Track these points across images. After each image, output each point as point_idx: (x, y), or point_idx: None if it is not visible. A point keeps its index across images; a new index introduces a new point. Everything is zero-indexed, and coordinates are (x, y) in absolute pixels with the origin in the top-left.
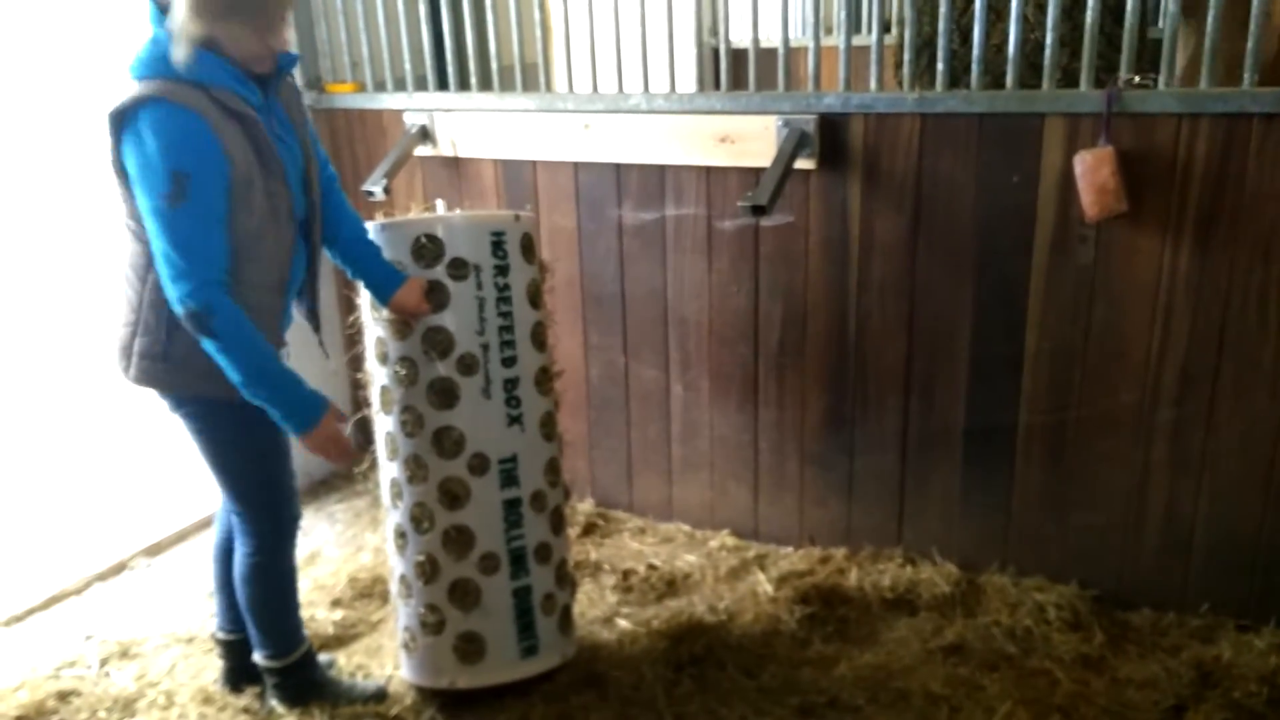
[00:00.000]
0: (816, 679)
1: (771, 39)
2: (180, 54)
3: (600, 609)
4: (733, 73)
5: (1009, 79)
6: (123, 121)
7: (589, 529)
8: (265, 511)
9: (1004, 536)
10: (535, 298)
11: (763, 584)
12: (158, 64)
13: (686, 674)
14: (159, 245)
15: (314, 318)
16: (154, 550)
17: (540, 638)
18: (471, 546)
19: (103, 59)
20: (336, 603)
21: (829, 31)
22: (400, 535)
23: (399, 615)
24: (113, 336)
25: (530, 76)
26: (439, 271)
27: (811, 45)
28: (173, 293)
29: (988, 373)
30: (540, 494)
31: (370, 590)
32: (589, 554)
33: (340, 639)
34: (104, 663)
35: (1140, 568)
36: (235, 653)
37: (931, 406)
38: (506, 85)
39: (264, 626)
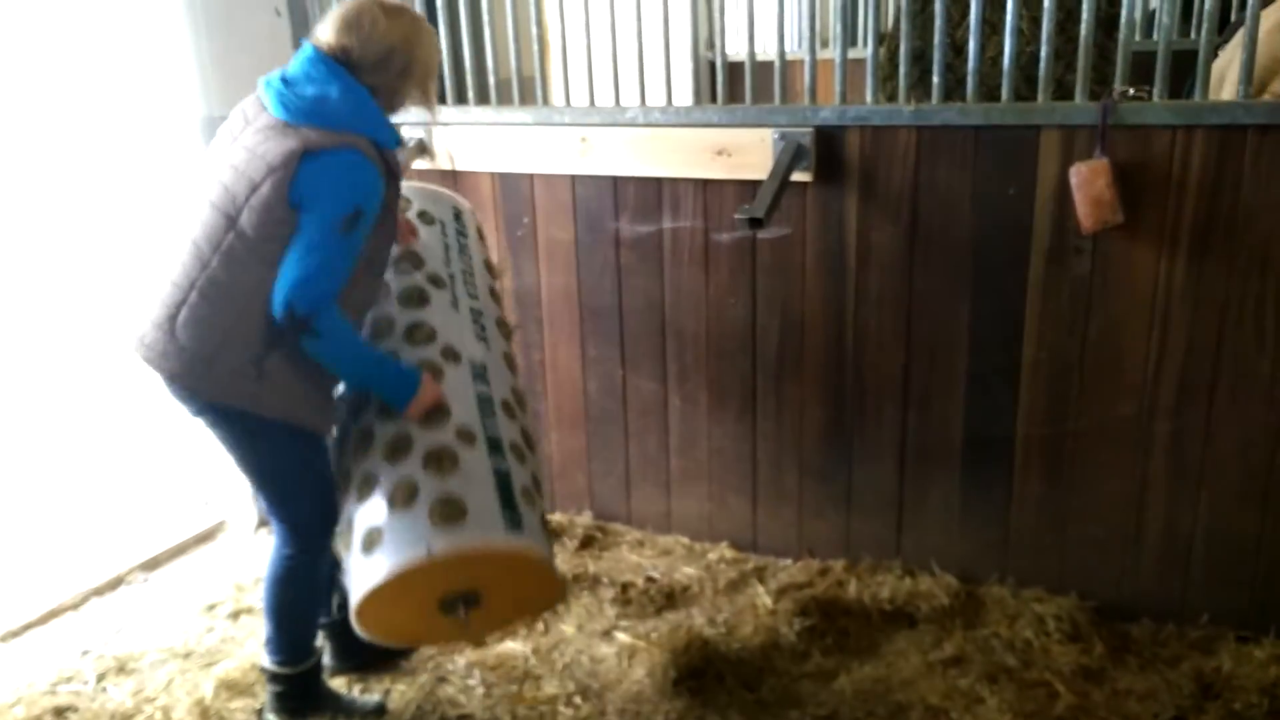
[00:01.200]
0: (816, 692)
1: (768, 52)
2: (390, 113)
3: (599, 622)
4: (729, 86)
5: (1004, 91)
6: (314, 157)
7: (587, 541)
8: (315, 513)
9: (1003, 548)
10: (488, 267)
11: (762, 596)
12: (351, 119)
13: (685, 687)
14: (306, 253)
15: None
16: (151, 565)
17: (524, 519)
18: (448, 418)
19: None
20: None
21: (825, 44)
22: (365, 435)
23: (345, 559)
24: (173, 350)
25: (527, 90)
26: (410, 216)
27: (807, 58)
28: (287, 293)
29: (985, 384)
30: (509, 404)
31: None
32: (587, 567)
33: None
34: (101, 678)
35: (1139, 579)
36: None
37: (929, 418)
38: (504, 99)
39: (286, 630)
